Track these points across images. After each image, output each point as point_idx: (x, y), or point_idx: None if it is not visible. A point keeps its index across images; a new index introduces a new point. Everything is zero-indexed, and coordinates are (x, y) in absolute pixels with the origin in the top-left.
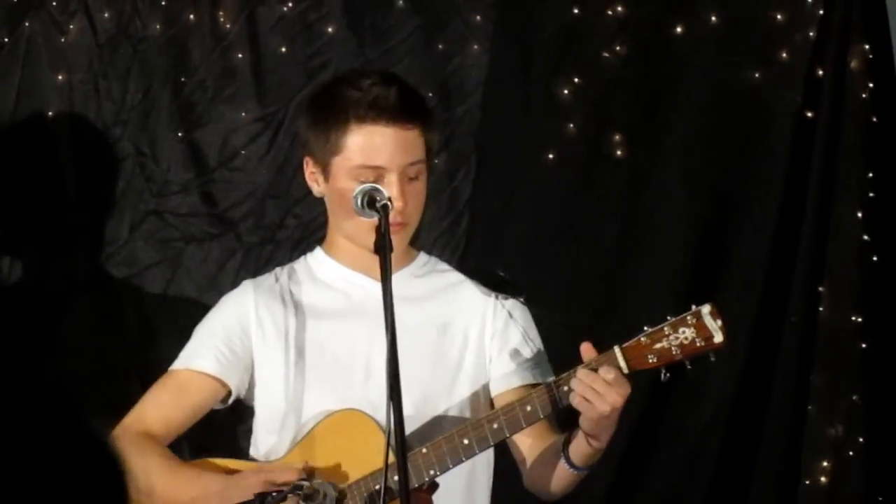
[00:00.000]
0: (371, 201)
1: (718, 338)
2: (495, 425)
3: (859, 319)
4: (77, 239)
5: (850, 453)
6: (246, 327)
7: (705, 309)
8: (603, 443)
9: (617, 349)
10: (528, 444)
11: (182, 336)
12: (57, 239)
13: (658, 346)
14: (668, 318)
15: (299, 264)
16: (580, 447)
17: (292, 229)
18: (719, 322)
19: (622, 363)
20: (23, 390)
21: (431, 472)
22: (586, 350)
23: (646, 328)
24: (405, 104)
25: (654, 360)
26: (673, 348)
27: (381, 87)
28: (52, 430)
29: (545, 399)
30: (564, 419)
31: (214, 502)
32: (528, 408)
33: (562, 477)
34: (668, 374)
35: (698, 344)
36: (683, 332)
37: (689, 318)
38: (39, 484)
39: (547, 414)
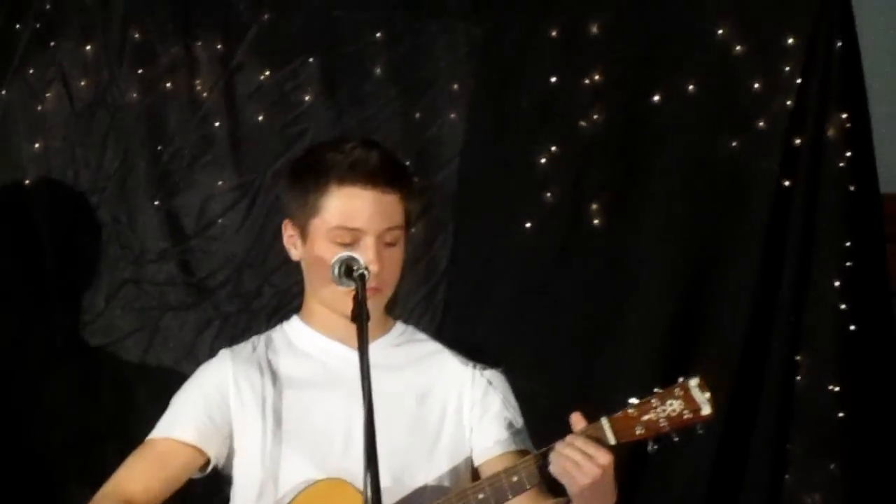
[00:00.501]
0: (348, 270)
1: (706, 410)
2: (480, 496)
3: (837, 388)
4: (54, 307)
5: None
6: (225, 396)
7: (693, 381)
8: None
9: (604, 420)
10: None
11: (159, 404)
12: (34, 307)
13: (645, 417)
14: (656, 390)
15: (276, 333)
16: None
17: (268, 298)
18: (707, 394)
19: (609, 434)
20: None
21: None
22: (576, 420)
23: (632, 400)
24: (386, 168)
25: (642, 432)
26: (661, 420)
27: (362, 150)
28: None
29: (532, 469)
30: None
31: None
32: (515, 478)
33: None
34: (655, 447)
35: (686, 416)
36: (671, 404)
37: (676, 390)
38: None
39: (533, 485)
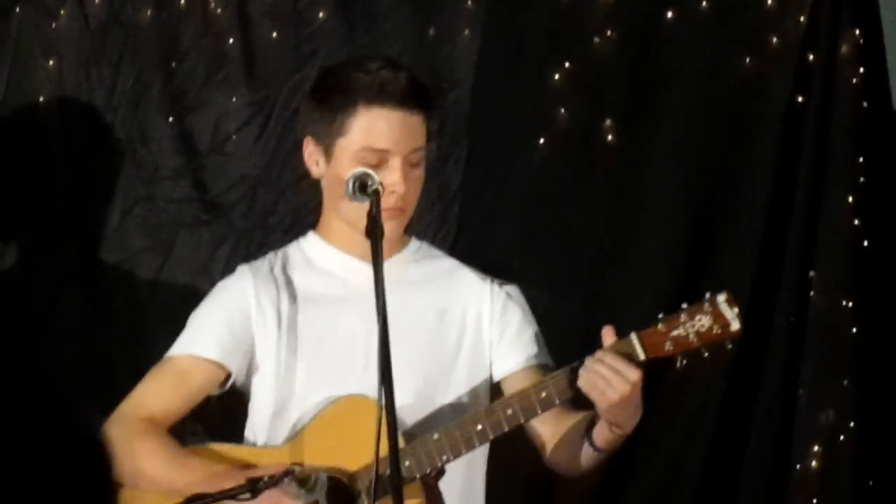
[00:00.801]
0: (363, 186)
1: (735, 325)
2: (509, 411)
3: (850, 304)
4: (68, 225)
5: (842, 438)
6: (246, 312)
7: (721, 296)
8: (627, 429)
9: (634, 336)
10: (548, 427)
11: (174, 321)
12: (47, 225)
13: (675, 333)
14: (684, 305)
15: (292, 249)
16: (603, 432)
17: (284, 214)
18: (735, 310)
19: (639, 350)
20: (7, 374)
21: (444, 458)
22: (607, 334)
23: (661, 315)
24: (413, 90)
25: (671, 348)
26: (690, 335)
27: (389, 72)
28: (33, 416)
29: (561, 384)
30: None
31: (209, 486)
32: (543, 394)
33: (587, 458)
34: (684, 362)
35: (715, 331)
36: (700, 320)
37: (705, 305)
38: (18, 468)
39: (563, 400)
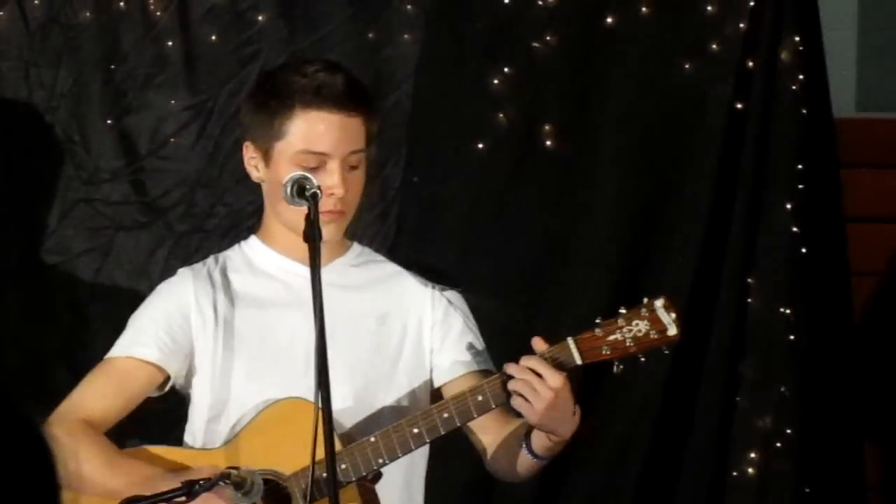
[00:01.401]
0: (301, 190)
1: (672, 331)
2: (445, 415)
3: (788, 311)
4: (7, 227)
5: (779, 445)
6: (186, 315)
7: (659, 302)
8: (563, 435)
9: (570, 340)
10: (488, 433)
11: (113, 322)
12: None
13: (612, 337)
14: (621, 310)
15: (234, 252)
16: (540, 440)
17: (222, 218)
18: (673, 315)
19: (576, 355)
20: None
21: (380, 462)
22: (538, 344)
23: (598, 320)
24: (351, 92)
25: (608, 352)
26: (627, 340)
27: (326, 74)
28: None
29: (496, 389)
30: None
31: (145, 489)
32: (480, 398)
33: (526, 464)
34: (621, 367)
35: (653, 336)
36: (637, 325)
37: (642, 310)
38: None
39: (498, 404)
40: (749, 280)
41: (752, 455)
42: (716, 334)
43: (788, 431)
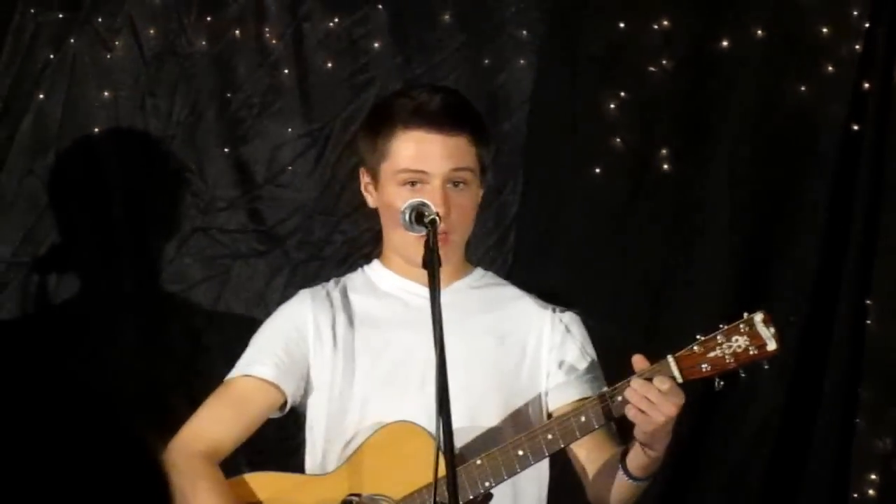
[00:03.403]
0: (419, 216)
1: (772, 345)
2: (549, 436)
3: None
4: (124, 257)
5: None
6: (304, 334)
7: (758, 317)
8: (659, 452)
9: (671, 358)
10: (587, 456)
11: (230, 352)
12: (104, 256)
13: (711, 354)
14: (721, 326)
15: (355, 274)
16: (637, 458)
17: (339, 245)
18: (772, 329)
19: (676, 372)
20: (74, 403)
21: (486, 484)
22: (638, 362)
23: (698, 336)
24: (450, 110)
25: (708, 369)
26: (726, 356)
27: (427, 95)
28: (102, 441)
29: (599, 410)
30: (624, 430)
31: None
32: (583, 418)
33: (622, 488)
34: (721, 383)
35: (752, 352)
36: (737, 341)
37: (741, 326)
38: (86, 495)
39: (601, 424)
40: (867, 301)
41: (873, 476)
42: (835, 356)
43: None
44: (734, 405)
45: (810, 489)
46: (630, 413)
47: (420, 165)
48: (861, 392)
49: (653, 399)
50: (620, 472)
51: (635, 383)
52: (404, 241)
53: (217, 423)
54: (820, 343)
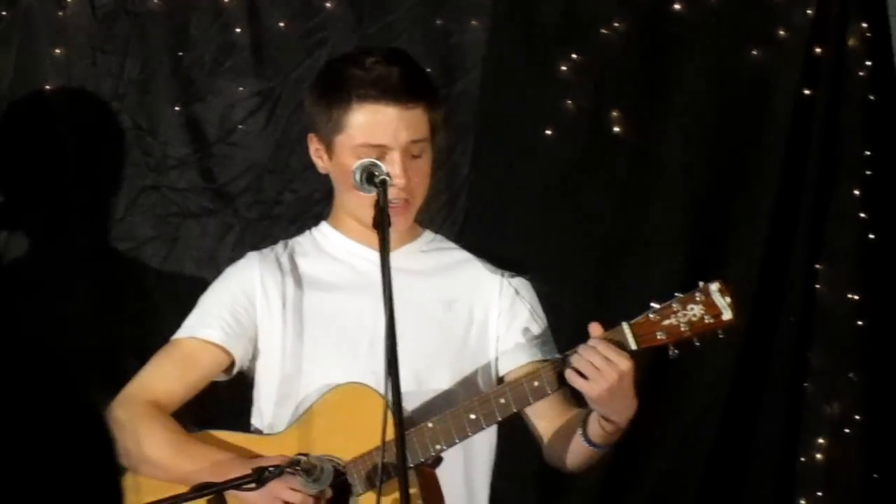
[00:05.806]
0: (370, 177)
1: (727, 315)
2: (502, 400)
3: (856, 297)
4: (75, 214)
5: (847, 431)
6: (252, 297)
7: (714, 286)
8: (619, 422)
9: (625, 325)
10: (545, 420)
11: (180, 310)
12: (55, 214)
13: (667, 322)
14: (676, 294)
15: (304, 237)
16: (595, 426)
17: (290, 204)
18: (728, 299)
19: (630, 340)
20: (18, 359)
21: (437, 447)
22: (594, 329)
23: (653, 304)
24: (408, 83)
25: (663, 337)
26: (682, 325)
27: (383, 66)
28: (46, 397)
29: (552, 375)
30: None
31: (213, 475)
32: (536, 383)
33: (581, 453)
34: (676, 352)
35: (707, 321)
36: (692, 309)
37: (697, 294)
38: (26, 450)
39: (554, 390)
40: (817, 266)
41: (821, 441)
42: (784, 321)
43: (857, 417)
44: (683, 369)
45: (760, 454)
46: (570, 378)
47: (379, 139)
48: (811, 357)
49: (597, 365)
50: (580, 437)
51: (581, 348)
52: (359, 202)
53: (163, 379)
54: (770, 308)
